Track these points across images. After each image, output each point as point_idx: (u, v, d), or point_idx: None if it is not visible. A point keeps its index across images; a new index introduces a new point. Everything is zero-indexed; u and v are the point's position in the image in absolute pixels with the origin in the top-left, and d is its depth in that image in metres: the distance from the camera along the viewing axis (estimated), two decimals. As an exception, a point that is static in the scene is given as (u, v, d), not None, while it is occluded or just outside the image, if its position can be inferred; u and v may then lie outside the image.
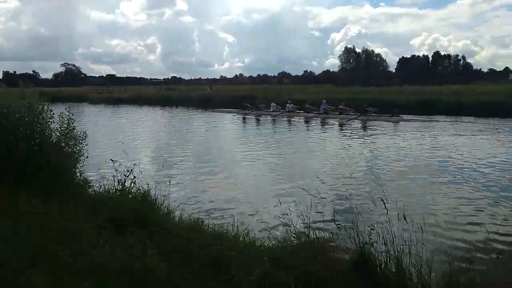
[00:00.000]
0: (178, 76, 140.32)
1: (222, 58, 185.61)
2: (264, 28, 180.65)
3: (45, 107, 6.53)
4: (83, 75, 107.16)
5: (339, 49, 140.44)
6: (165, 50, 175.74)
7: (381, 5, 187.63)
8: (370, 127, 20.68)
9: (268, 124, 23.53)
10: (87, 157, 6.72)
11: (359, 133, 19.32)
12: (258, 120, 25.19)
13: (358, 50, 67.53)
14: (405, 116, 23.18)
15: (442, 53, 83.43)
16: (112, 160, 6.12)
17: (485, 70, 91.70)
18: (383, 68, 66.91)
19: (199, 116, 28.96)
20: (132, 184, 5.95)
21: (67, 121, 6.54)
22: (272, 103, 28.09)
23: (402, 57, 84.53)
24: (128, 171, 6.03)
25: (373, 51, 67.91)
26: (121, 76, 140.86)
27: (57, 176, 5.90)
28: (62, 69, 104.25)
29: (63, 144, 6.46)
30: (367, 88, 44.00)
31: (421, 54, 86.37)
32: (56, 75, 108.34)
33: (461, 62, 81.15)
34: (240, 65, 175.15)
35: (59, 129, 6.51)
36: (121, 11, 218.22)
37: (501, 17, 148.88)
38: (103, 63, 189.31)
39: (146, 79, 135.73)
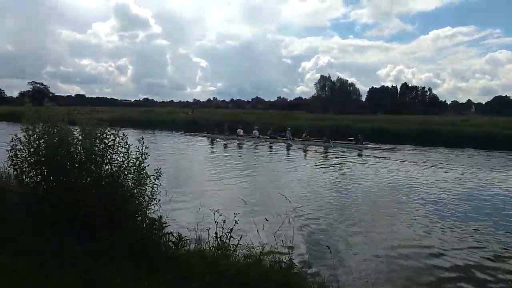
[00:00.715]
0: (150, 98, 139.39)
1: (194, 82, 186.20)
2: (237, 54, 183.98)
3: (113, 136, 4.95)
4: (51, 94, 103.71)
5: (309, 77, 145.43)
6: (137, 72, 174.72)
7: (349, 37, 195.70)
8: (331, 153, 21.37)
9: (235, 149, 23.64)
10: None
11: (321, 158, 19.96)
12: (225, 145, 25.19)
13: (333, 79, 69.67)
14: (370, 144, 23.96)
15: (410, 85, 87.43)
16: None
17: (448, 101, 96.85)
18: (356, 97, 69.14)
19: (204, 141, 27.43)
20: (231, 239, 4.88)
21: (140, 154, 4.94)
22: (238, 129, 28.52)
23: (372, 87, 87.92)
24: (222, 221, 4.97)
25: (347, 80, 70.38)
26: (91, 96, 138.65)
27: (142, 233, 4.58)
28: (30, 87, 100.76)
29: (136, 189, 4.91)
30: (341, 115, 45.21)
31: (389, 85, 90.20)
32: (22, 94, 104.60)
33: (428, 94, 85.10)
34: (212, 89, 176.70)
35: (129, 166, 4.89)
36: (94, 31, 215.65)
37: (461, 52, 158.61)
38: (72, 83, 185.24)
39: (118, 100, 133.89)
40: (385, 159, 19.23)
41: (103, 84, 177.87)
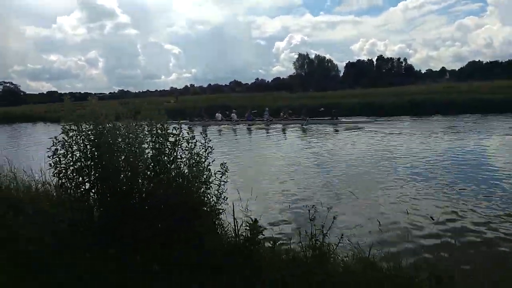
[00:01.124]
0: (125, 90, 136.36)
1: (168, 70, 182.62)
2: (209, 39, 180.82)
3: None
4: (22, 93, 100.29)
5: (284, 56, 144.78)
6: (108, 64, 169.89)
7: (321, 14, 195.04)
8: (310, 131, 21.91)
9: (215, 134, 23.52)
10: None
11: (300, 136, 20.42)
12: (205, 130, 24.90)
13: (311, 56, 69.61)
14: (343, 118, 24.69)
15: (385, 57, 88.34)
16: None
17: (423, 71, 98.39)
18: (335, 73, 69.51)
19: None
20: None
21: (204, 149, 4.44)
22: (216, 114, 28.55)
23: (348, 62, 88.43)
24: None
25: (324, 57, 70.41)
26: (64, 92, 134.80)
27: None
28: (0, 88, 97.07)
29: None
30: (321, 92, 45.45)
31: (364, 59, 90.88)
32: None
33: (403, 64, 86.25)
34: (188, 76, 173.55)
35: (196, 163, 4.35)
36: (58, 25, 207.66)
37: (430, 21, 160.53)
38: (41, 80, 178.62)
39: (91, 94, 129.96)
40: (360, 131, 20.18)
41: (74, 79, 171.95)
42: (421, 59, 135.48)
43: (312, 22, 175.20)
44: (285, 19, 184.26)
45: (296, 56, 71.51)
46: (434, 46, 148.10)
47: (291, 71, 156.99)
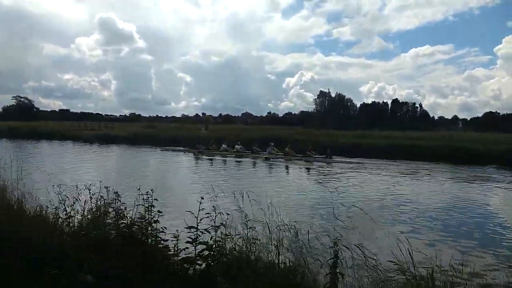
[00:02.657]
0: (137, 113, 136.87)
1: (179, 97, 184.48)
2: (221, 70, 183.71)
3: None
4: (35, 109, 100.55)
5: (293, 92, 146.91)
6: (121, 86, 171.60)
7: (332, 54, 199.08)
8: (312, 167, 22.69)
9: (220, 164, 24.04)
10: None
11: (302, 172, 21.24)
12: (211, 160, 25.49)
13: (332, 94, 69.91)
14: (336, 158, 25.22)
15: (400, 101, 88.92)
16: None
17: (435, 117, 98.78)
18: (354, 113, 69.49)
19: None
20: None
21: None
22: (223, 145, 28.98)
23: (363, 102, 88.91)
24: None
25: (344, 96, 70.67)
26: (75, 111, 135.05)
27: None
28: (13, 102, 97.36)
29: None
30: (343, 131, 45.04)
31: (380, 101, 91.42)
32: (5, 108, 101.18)
33: (418, 109, 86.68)
34: (197, 104, 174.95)
35: None
36: (77, 45, 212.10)
37: (439, 70, 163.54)
38: (53, 98, 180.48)
39: (102, 115, 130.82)
40: (353, 171, 20.30)
41: (85, 99, 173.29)
42: (427, 105, 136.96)
43: (323, 61, 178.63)
44: (297, 56, 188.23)
45: (317, 93, 71.77)
46: (442, 93, 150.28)
47: (300, 107, 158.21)
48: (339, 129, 51.65)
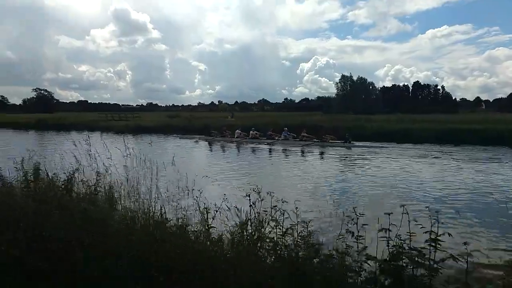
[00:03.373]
0: (154, 103, 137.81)
1: (193, 85, 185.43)
2: (235, 58, 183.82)
3: None
4: (55, 101, 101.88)
5: (308, 78, 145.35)
6: (136, 77, 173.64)
7: (347, 38, 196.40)
8: (327, 152, 21.47)
9: (233, 150, 23.27)
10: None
11: (317, 157, 20.04)
12: (223, 146, 24.87)
13: (354, 77, 68.68)
14: (356, 143, 24.10)
15: (422, 83, 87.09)
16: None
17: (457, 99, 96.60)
18: (375, 97, 68.18)
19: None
20: None
21: None
22: (237, 130, 28.06)
23: (383, 86, 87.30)
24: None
25: (366, 79, 69.33)
26: (94, 102, 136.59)
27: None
28: (33, 94, 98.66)
29: None
30: (363, 115, 43.76)
31: (400, 84, 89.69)
32: (25, 101, 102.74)
33: (440, 92, 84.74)
34: (211, 92, 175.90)
35: None
36: (92, 37, 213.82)
37: (458, 51, 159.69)
38: (70, 89, 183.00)
39: (119, 105, 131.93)
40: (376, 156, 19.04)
41: (101, 89, 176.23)
42: (447, 87, 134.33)
43: (338, 45, 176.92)
44: (312, 41, 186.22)
45: (335, 78, 70.50)
46: (461, 75, 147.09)
47: (315, 92, 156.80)
48: (363, 113, 50.71)
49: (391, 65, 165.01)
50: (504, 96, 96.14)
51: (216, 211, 4.32)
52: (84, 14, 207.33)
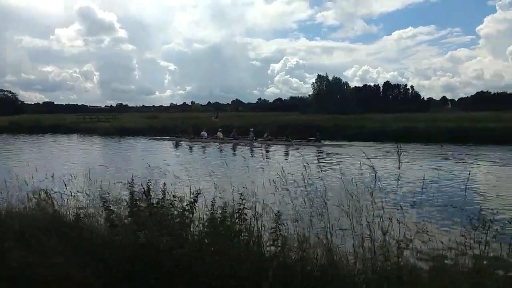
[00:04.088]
0: (124, 104, 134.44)
1: (163, 86, 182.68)
2: (205, 58, 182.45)
3: None
4: (20, 102, 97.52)
5: (279, 78, 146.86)
6: (103, 78, 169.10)
7: (316, 39, 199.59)
8: (292, 152, 21.33)
9: (200, 151, 23.55)
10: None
11: (284, 156, 20.26)
12: (191, 147, 25.24)
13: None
14: (325, 142, 24.75)
15: (392, 83, 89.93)
16: None
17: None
18: (350, 96, 69.61)
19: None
20: None
21: None
22: (202, 132, 28.77)
23: (355, 86, 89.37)
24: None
25: (340, 79, 70.83)
26: (60, 103, 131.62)
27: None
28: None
29: None
30: (349, 115, 44.78)
31: (371, 84, 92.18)
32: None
33: (410, 92, 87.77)
34: (181, 93, 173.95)
35: None
36: (56, 36, 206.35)
37: (422, 51, 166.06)
38: (34, 90, 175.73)
39: (87, 106, 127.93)
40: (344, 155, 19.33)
41: (67, 90, 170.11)
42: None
43: (307, 46, 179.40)
44: (281, 42, 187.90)
45: (309, 78, 71.45)
46: (425, 75, 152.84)
47: (286, 93, 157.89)
48: (337, 113, 51.65)
49: (359, 65, 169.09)
50: (466, 95, 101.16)
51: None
52: (47, 13, 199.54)
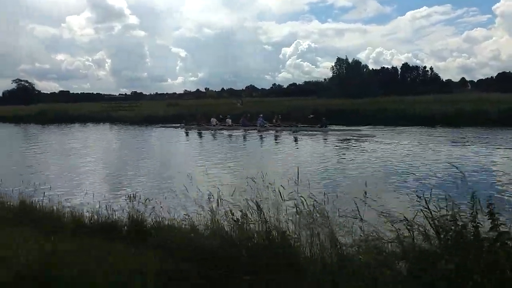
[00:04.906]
0: (138, 92, 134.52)
1: (175, 73, 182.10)
2: (216, 43, 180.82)
3: None
4: (37, 92, 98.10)
5: (290, 63, 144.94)
6: (115, 65, 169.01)
7: (328, 21, 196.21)
8: (301, 138, 21.88)
9: (210, 138, 23.80)
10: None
11: (292, 143, 20.44)
12: (200, 134, 25.63)
13: (349, 60, 68.65)
14: (334, 126, 24.71)
15: (410, 65, 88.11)
16: None
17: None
18: (371, 79, 68.35)
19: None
20: None
21: None
22: (212, 118, 28.81)
23: (372, 69, 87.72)
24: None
25: (360, 62, 69.58)
26: (76, 92, 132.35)
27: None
28: (14, 85, 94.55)
29: None
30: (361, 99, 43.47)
31: (389, 66, 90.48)
32: (5, 93, 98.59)
33: (429, 73, 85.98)
34: (193, 79, 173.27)
35: None
36: (68, 25, 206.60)
37: (438, 32, 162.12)
38: (48, 79, 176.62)
39: (102, 95, 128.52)
40: (359, 140, 19.26)
41: (81, 79, 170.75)
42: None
43: (319, 28, 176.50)
44: (293, 25, 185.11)
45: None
46: (441, 56, 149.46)
47: (298, 77, 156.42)
48: (359, 97, 50.65)
49: (372, 48, 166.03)
50: (484, 77, 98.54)
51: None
52: (57, 1, 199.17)
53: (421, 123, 25.01)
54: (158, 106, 46.40)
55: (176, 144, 21.69)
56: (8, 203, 7.00)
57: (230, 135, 24.23)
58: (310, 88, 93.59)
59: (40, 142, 23.01)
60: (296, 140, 21.44)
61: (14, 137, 27.67)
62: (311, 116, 26.87)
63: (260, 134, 24.19)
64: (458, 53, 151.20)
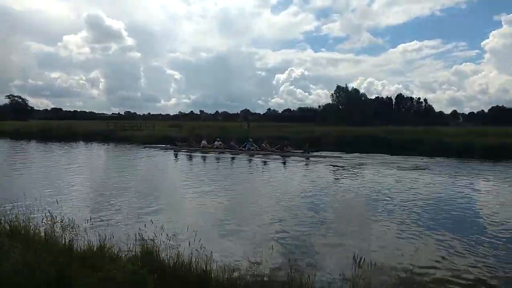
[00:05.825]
0: (132, 112, 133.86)
1: (168, 94, 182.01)
2: (211, 67, 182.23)
3: None
4: (30, 108, 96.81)
5: (283, 89, 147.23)
6: (109, 85, 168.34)
7: (322, 50, 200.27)
8: (288, 162, 22.25)
9: (200, 160, 23.66)
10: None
11: (279, 167, 20.50)
12: (190, 156, 25.46)
13: (349, 88, 69.69)
14: (315, 153, 25.39)
15: (404, 96, 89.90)
16: None
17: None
18: (369, 108, 69.36)
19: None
20: None
21: None
22: (202, 141, 29.45)
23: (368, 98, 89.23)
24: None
25: (358, 90, 70.68)
26: (67, 109, 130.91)
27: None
28: (6, 101, 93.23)
29: None
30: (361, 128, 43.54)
31: (384, 96, 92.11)
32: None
33: (423, 105, 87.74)
34: (187, 102, 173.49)
35: None
36: (64, 43, 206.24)
37: (428, 65, 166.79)
38: (41, 96, 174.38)
39: (95, 113, 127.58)
40: (334, 165, 19.89)
41: (74, 97, 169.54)
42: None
43: (313, 57, 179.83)
44: (287, 52, 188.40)
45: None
46: (431, 88, 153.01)
47: (290, 103, 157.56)
48: (360, 125, 51.08)
49: (364, 77, 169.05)
50: (473, 110, 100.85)
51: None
52: (56, 20, 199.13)
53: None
54: (165, 127, 45.79)
55: (165, 167, 21.24)
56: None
57: (217, 158, 24.56)
58: (305, 115, 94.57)
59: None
60: (284, 163, 21.96)
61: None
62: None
63: (249, 158, 24.64)
64: (447, 85, 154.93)
